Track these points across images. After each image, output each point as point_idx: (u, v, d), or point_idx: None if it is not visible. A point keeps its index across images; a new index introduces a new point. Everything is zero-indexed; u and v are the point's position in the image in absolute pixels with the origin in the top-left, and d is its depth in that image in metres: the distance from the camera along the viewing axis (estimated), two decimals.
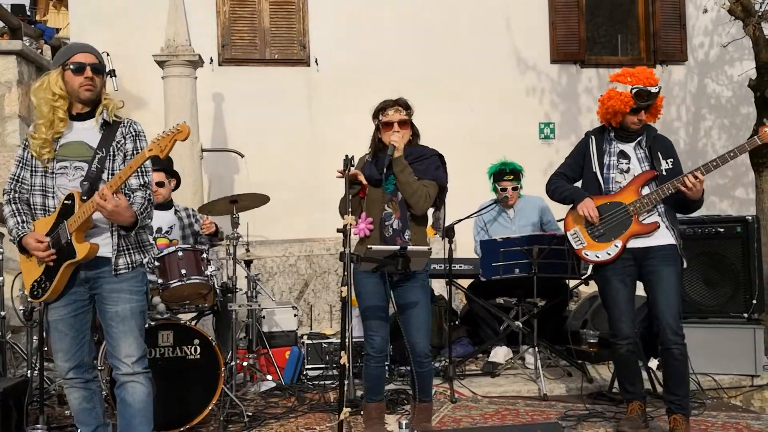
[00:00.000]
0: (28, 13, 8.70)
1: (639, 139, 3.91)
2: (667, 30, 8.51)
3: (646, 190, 3.83)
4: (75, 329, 3.11)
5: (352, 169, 3.47)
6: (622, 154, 3.91)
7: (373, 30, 7.92)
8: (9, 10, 7.64)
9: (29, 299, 3.17)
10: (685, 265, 3.89)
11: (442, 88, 7.70)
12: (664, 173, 3.81)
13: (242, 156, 7.18)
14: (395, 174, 3.53)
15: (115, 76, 5.02)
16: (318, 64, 7.98)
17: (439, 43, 7.98)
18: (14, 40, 6.22)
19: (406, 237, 3.58)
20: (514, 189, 5.35)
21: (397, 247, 3.27)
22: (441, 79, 7.75)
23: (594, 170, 3.93)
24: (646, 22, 8.53)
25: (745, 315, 4.78)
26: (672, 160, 3.87)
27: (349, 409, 2.93)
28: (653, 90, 3.78)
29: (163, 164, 4.65)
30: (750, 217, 4.84)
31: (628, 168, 3.89)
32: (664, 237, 3.81)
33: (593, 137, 4.00)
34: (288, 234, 7.08)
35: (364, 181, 3.56)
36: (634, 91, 3.75)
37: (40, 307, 3.69)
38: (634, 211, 3.80)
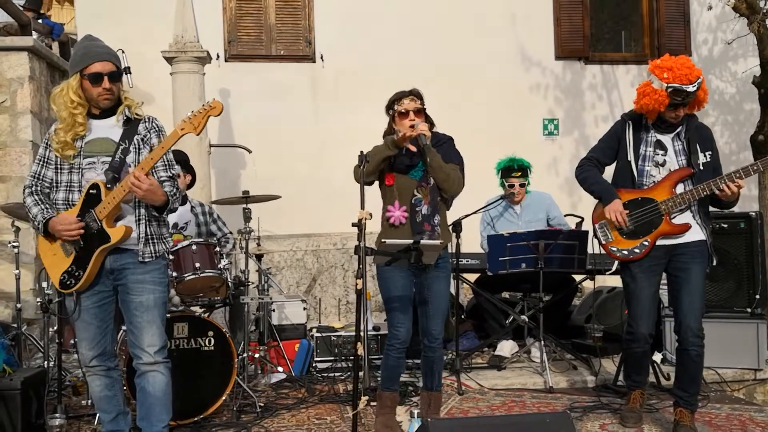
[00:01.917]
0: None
1: (678, 130, 3.76)
2: (671, 26, 8.56)
3: (680, 188, 3.71)
4: (99, 319, 3.19)
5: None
6: (659, 145, 3.76)
7: (377, 27, 7.97)
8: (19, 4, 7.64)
9: (59, 290, 3.22)
10: (714, 262, 3.81)
11: (446, 84, 7.75)
12: (701, 168, 3.69)
13: (250, 152, 7.24)
14: (429, 161, 3.56)
15: (131, 74, 5.06)
16: (323, 61, 8.03)
17: (443, 39, 8.03)
18: (25, 36, 6.26)
19: (435, 222, 3.65)
20: (522, 185, 5.39)
21: (410, 241, 3.34)
22: (445, 75, 7.79)
23: (629, 159, 3.78)
24: (651, 18, 8.58)
25: (749, 310, 4.85)
26: (710, 153, 3.74)
27: (367, 397, 3.00)
28: (690, 89, 3.58)
29: (179, 158, 4.70)
30: (754, 213, 4.90)
31: (664, 161, 3.75)
32: (695, 233, 3.73)
33: (630, 122, 3.82)
34: (293, 229, 7.14)
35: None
36: (669, 90, 3.57)
37: (61, 299, 3.76)
38: (666, 210, 3.69)
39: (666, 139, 3.79)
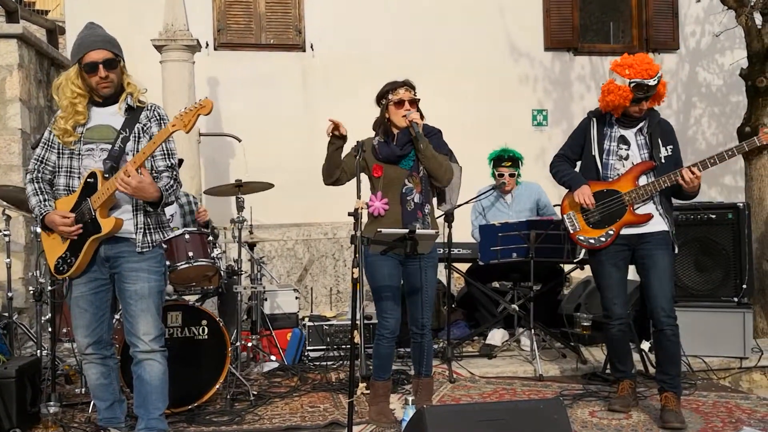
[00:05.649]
0: None
1: (640, 125, 3.94)
2: (659, 18, 8.63)
3: (643, 180, 3.89)
4: (95, 306, 3.20)
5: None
6: (623, 140, 3.95)
7: (367, 16, 7.97)
8: None
9: (54, 275, 3.24)
10: (676, 251, 3.98)
11: (435, 74, 7.74)
12: (662, 161, 3.86)
13: (239, 140, 7.21)
14: (421, 150, 3.62)
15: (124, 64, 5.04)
16: (313, 50, 8.02)
17: (433, 30, 8.04)
18: (13, 23, 6.19)
19: (426, 211, 3.69)
20: (511, 176, 5.43)
21: (406, 230, 3.36)
22: (435, 65, 7.80)
23: (593, 154, 3.98)
24: (639, 10, 8.64)
25: (735, 299, 4.92)
26: (671, 146, 3.91)
27: (364, 385, 3.03)
28: (651, 83, 3.78)
29: None
30: (741, 204, 4.96)
31: (627, 155, 3.93)
32: (658, 224, 3.89)
33: (595, 119, 4.03)
34: (283, 218, 7.14)
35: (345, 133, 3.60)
36: (632, 85, 3.77)
37: (55, 287, 3.76)
38: (629, 201, 3.87)
39: (629, 134, 3.97)
